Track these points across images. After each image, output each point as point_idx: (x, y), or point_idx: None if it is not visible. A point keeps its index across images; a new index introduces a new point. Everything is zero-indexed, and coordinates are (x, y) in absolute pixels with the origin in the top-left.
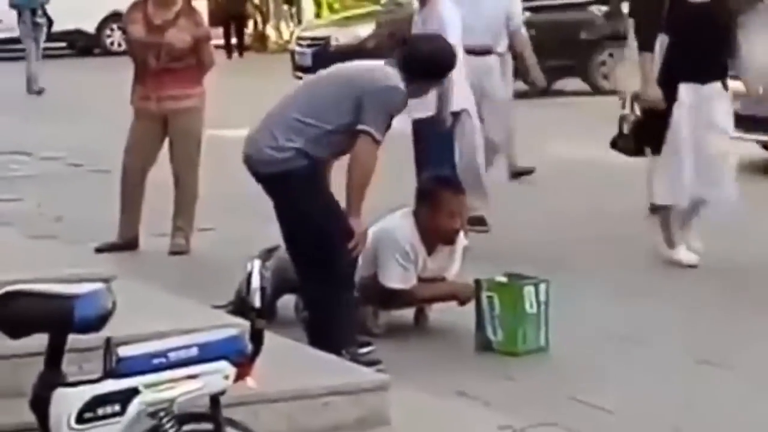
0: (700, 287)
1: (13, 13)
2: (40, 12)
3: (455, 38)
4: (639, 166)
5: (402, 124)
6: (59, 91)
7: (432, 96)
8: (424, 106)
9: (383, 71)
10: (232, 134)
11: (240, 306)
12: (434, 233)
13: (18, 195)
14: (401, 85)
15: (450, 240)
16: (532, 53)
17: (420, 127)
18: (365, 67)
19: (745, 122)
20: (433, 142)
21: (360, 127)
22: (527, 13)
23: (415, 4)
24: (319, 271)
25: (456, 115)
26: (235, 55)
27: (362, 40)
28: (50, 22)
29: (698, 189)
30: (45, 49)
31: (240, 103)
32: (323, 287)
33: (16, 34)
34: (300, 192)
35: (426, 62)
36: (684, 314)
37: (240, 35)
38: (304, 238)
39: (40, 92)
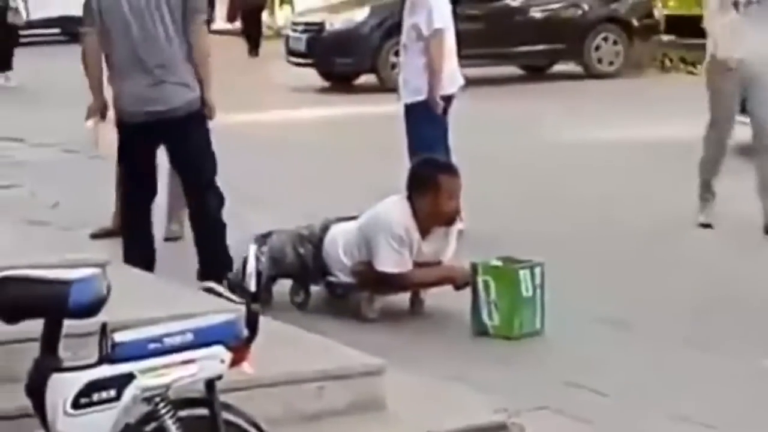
0: (693, 269)
1: None
2: None
3: (440, 23)
4: (636, 146)
5: None
6: (52, 78)
7: (422, 80)
8: (415, 91)
9: None
10: (223, 119)
11: (236, 291)
12: (434, 216)
13: (12, 181)
14: None
15: (449, 222)
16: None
17: (411, 112)
18: None
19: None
20: (426, 125)
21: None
22: None
23: None
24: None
25: (448, 98)
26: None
27: (357, 25)
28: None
29: None
30: (39, 35)
31: (232, 89)
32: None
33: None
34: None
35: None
36: (677, 296)
37: (258, 32)
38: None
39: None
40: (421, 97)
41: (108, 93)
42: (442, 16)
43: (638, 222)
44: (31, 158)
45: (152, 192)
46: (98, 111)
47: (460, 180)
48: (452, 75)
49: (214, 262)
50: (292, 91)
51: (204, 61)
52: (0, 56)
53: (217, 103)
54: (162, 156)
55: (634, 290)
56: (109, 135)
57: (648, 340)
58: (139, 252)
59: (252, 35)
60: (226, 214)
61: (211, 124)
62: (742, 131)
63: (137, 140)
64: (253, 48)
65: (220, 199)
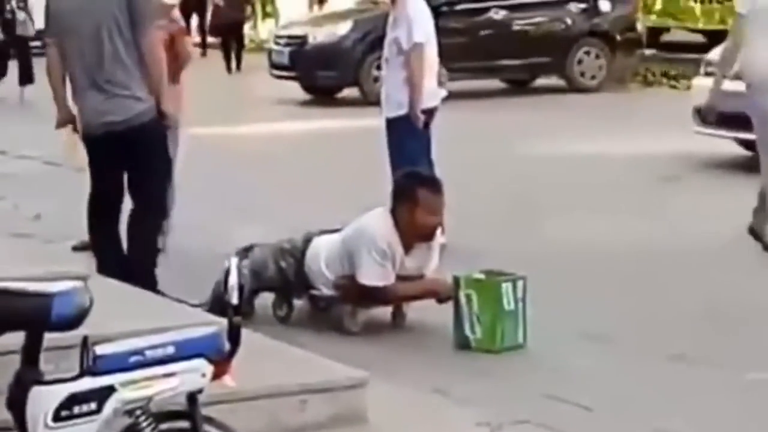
0: (675, 283)
1: None
2: None
3: (420, 37)
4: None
5: None
6: (34, 90)
7: (404, 94)
8: (397, 105)
9: None
10: (206, 132)
11: (217, 304)
12: (413, 230)
13: None
14: None
15: (429, 237)
16: None
17: (394, 125)
18: None
19: (726, 120)
20: (409, 139)
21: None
22: (503, 12)
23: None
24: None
25: (431, 112)
26: (234, 69)
27: (339, 39)
28: None
29: None
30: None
31: (215, 101)
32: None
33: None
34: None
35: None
36: (659, 310)
37: (240, 46)
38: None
39: None
40: (403, 111)
41: (74, 106)
42: (423, 30)
43: (621, 237)
44: (13, 170)
45: (117, 205)
46: (65, 122)
47: (442, 195)
48: (434, 89)
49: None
50: (274, 104)
51: (157, 71)
52: (21, 71)
53: (200, 117)
54: None
55: (617, 305)
56: (81, 148)
57: (631, 354)
58: (112, 267)
59: (229, 51)
60: (209, 226)
61: (195, 136)
62: None
63: (100, 153)
64: (231, 64)
65: (159, 220)
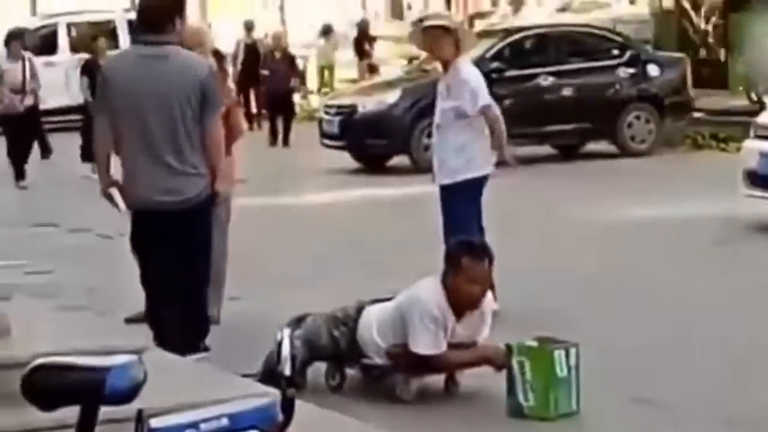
0: (732, 346)
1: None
2: None
3: (488, 98)
4: (671, 225)
5: None
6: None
7: (458, 161)
8: (452, 172)
9: None
10: (258, 202)
11: (269, 374)
12: (459, 298)
13: (48, 267)
14: None
15: (474, 305)
16: None
17: (448, 192)
18: None
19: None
20: (462, 206)
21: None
22: (552, 78)
23: (439, 69)
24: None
25: (484, 179)
26: (281, 142)
27: (388, 107)
28: None
29: None
30: (66, 120)
31: (263, 172)
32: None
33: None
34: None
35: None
36: (715, 375)
37: (288, 118)
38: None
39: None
40: (460, 178)
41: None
42: (484, 93)
43: (674, 301)
44: (66, 243)
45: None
46: (108, 186)
47: (489, 263)
48: (488, 155)
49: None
50: (324, 173)
51: (217, 152)
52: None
53: (253, 187)
54: None
55: (672, 369)
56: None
57: (687, 420)
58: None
59: (275, 123)
60: (262, 295)
61: (247, 206)
62: None
63: (151, 229)
64: (277, 137)
65: (204, 292)
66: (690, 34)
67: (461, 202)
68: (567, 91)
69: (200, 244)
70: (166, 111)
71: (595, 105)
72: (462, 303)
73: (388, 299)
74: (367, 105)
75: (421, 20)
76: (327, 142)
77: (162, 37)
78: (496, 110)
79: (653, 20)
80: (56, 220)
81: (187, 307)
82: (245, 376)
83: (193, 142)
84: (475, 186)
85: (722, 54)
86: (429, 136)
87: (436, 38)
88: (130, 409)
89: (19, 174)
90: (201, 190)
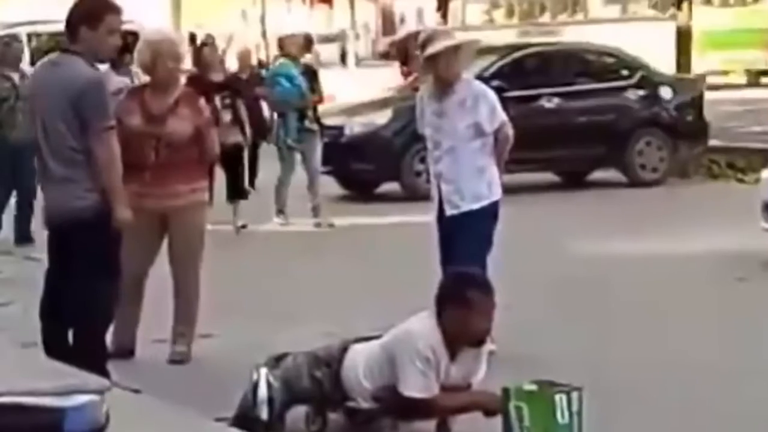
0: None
1: None
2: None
3: (503, 115)
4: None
5: None
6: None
7: (483, 184)
8: (476, 197)
9: None
10: (230, 229)
11: (244, 418)
12: (463, 336)
13: (4, 299)
14: None
15: (480, 342)
16: None
17: (472, 218)
18: None
19: None
20: (469, 238)
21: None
22: (556, 99)
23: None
24: None
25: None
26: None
27: (378, 128)
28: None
29: None
30: None
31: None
32: None
33: None
34: None
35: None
36: (716, 423)
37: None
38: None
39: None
40: (485, 202)
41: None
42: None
43: (685, 342)
44: (22, 273)
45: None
46: None
47: (494, 298)
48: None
49: None
50: (308, 199)
51: (106, 169)
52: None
53: (226, 212)
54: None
55: (683, 415)
56: None
57: None
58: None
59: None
60: (237, 332)
61: (223, 233)
62: None
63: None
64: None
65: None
66: None
67: (489, 227)
68: (572, 114)
69: (87, 262)
70: (51, 118)
71: (603, 130)
72: (465, 339)
73: (376, 337)
74: (355, 127)
75: (425, 44)
76: None
77: (71, 45)
78: (510, 130)
79: None
80: (9, 248)
81: (75, 328)
82: (218, 420)
83: (77, 155)
84: (497, 210)
85: None
86: (422, 161)
87: (448, 58)
88: None
89: None
90: (86, 206)
